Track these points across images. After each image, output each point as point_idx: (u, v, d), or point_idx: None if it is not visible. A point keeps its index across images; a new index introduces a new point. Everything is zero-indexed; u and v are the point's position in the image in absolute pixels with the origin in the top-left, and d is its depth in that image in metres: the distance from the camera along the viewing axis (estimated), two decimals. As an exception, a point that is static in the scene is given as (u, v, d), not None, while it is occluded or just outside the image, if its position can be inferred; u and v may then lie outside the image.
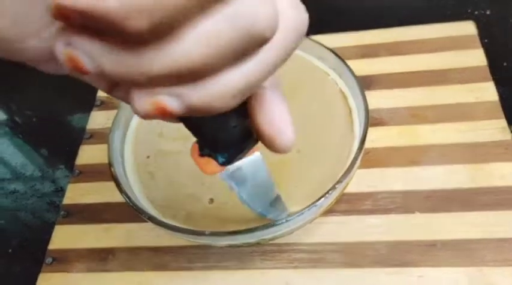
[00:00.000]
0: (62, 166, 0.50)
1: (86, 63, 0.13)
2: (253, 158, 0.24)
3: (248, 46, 0.14)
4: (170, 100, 0.15)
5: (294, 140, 0.19)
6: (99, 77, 0.15)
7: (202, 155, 0.23)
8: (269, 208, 0.29)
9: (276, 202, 0.29)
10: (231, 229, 0.32)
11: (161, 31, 0.12)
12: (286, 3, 0.16)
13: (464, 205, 0.37)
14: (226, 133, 0.21)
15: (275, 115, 0.19)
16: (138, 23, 0.12)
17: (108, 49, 0.13)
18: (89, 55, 0.13)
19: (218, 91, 0.15)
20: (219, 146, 0.22)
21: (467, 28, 0.48)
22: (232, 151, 0.23)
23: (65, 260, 0.41)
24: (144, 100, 0.15)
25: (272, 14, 0.14)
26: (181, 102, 0.15)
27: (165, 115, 0.15)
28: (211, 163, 0.23)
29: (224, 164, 0.23)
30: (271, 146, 0.19)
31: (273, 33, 0.14)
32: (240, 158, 0.23)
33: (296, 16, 0.16)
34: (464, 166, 0.40)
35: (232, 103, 0.15)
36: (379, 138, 0.42)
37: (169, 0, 0.12)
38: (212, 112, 0.15)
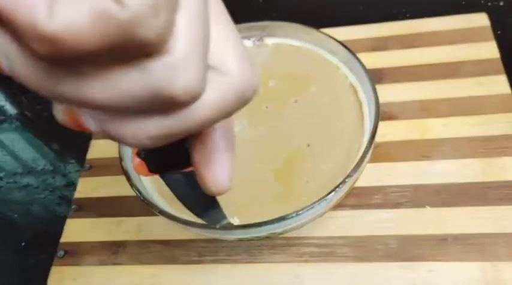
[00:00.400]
0: (73, 161, 0.51)
1: (2, 63, 0.13)
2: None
3: (162, 105, 0.13)
4: (87, 119, 0.14)
5: (226, 189, 0.19)
6: None
7: (138, 155, 0.23)
8: (206, 212, 0.29)
9: (213, 208, 0.29)
10: (240, 223, 0.32)
11: (67, 63, 0.12)
12: (235, 64, 0.15)
13: (476, 199, 0.37)
14: (162, 150, 0.21)
15: (214, 161, 0.18)
16: (41, 47, 0.11)
17: (23, 57, 0.12)
18: (4, 56, 0.12)
19: (132, 132, 0.14)
20: (153, 157, 0.22)
21: (480, 20, 0.48)
22: (166, 166, 0.23)
23: (77, 253, 0.42)
24: (63, 110, 0.14)
25: (192, 82, 0.13)
26: (98, 125, 0.14)
27: (82, 130, 0.15)
28: (143, 165, 0.23)
29: (153, 172, 0.23)
30: (202, 186, 0.19)
31: (192, 99, 0.14)
32: (174, 171, 0.23)
33: (242, 79, 0.15)
34: (476, 160, 0.39)
35: (150, 144, 0.15)
36: (389, 131, 0.42)
37: (76, 38, 0.11)
38: (128, 146, 0.15)
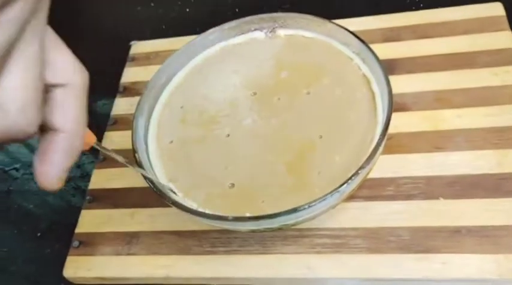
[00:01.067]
0: (87, 152, 0.51)
1: None
2: None
3: None
4: None
5: (52, 189, 0.20)
6: None
7: None
8: None
9: None
10: (249, 215, 0.32)
11: None
12: (14, 107, 0.16)
13: (490, 191, 0.37)
14: None
15: (48, 160, 0.19)
16: None
17: None
18: None
19: None
20: None
21: (495, 9, 0.47)
22: None
23: (91, 243, 0.42)
24: None
25: None
26: None
27: None
28: None
29: None
30: (34, 175, 0.20)
31: None
32: None
33: (15, 121, 0.16)
34: (490, 151, 0.39)
35: None
36: (402, 123, 0.42)
37: None
38: None
